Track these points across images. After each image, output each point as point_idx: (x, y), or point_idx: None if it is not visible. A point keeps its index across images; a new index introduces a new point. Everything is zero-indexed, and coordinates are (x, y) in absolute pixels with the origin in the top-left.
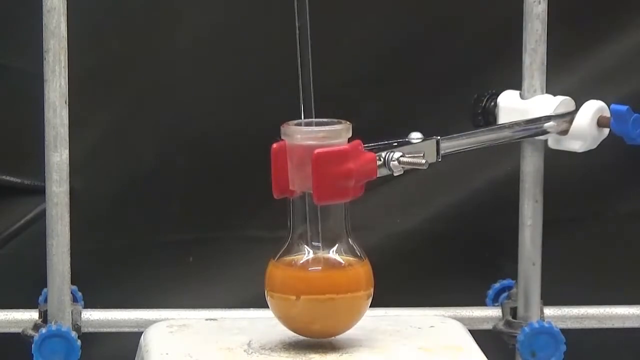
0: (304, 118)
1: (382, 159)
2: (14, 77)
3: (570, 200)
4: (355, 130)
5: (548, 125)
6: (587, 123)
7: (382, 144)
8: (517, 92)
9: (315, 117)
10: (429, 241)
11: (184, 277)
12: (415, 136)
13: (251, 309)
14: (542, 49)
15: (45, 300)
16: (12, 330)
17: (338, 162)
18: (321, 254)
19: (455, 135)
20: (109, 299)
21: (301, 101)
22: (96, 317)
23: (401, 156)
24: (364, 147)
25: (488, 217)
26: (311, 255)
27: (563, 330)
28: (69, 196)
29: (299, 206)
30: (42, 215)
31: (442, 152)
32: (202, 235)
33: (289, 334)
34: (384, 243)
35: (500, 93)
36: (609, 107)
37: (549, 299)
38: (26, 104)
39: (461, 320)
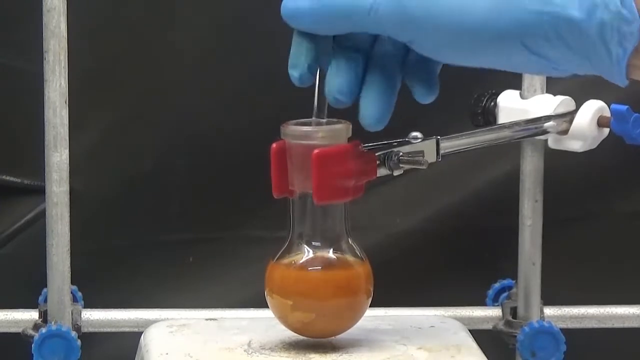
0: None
1: (382, 159)
2: (14, 77)
3: (570, 200)
4: (356, 130)
5: (548, 125)
6: (587, 123)
7: (382, 144)
8: (517, 92)
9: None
10: (429, 241)
11: (184, 277)
12: (415, 136)
13: (251, 309)
14: None
15: (45, 300)
16: (12, 330)
17: (338, 162)
18: (321, 254)
19: (455, 135)
20: (109, 299)
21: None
22: (96, 317)
23: (401, 156)
24: (364, 147)
25: (488, 217)
26: (311, 255)
27: (563, 330)
28: (69, 196)
29: (299, 206)
30: (42, 215)
31: (442, 152)
32: (202, 235)
33: (289, 334)
34: (384, 243)
35: (500, 93)
36: (609, 107)
37: (549, 299)
38: (26, 104)
39: (461, 320)
